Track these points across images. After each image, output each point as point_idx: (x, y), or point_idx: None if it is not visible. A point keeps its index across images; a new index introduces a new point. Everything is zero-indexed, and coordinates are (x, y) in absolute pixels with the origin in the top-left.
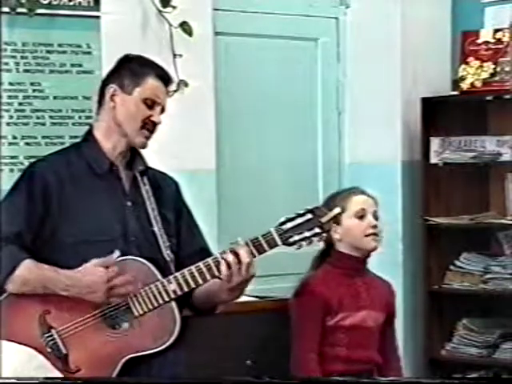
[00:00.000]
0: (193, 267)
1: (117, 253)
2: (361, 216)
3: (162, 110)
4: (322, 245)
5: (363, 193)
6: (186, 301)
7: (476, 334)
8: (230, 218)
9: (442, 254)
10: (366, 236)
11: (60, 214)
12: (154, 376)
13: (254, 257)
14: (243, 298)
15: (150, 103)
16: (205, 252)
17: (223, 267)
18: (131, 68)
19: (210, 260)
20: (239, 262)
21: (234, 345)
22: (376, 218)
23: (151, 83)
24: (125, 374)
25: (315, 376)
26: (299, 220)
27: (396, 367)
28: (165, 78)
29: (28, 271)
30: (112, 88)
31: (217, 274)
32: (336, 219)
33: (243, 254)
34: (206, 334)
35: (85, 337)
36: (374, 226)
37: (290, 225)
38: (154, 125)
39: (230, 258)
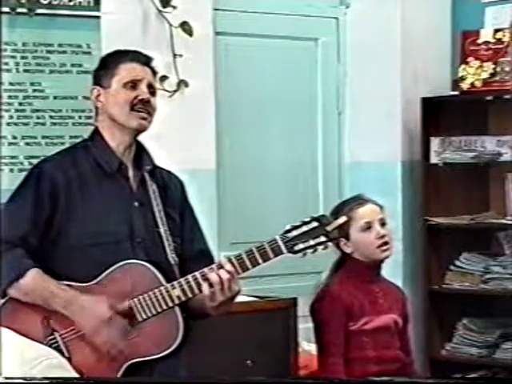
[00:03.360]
0: (197, 273)
1: (127, 302)
2: (368, 228)
3: (151, 88)
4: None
5: (368, 201)
6: (183, 303)
7: (476, 333)
8: (230, 218)
9: (442, 253)
10: (377, 247)
11: (67, 215)
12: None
13: (259, 264)
14: (243, 298)
15: (132, 84)
16: (204, 254)
17: (204, 287)
18: (105, 64)
19: (214, 266)
20: (221, 280)
21: (234, 345)
22: (383, 224)
23: (124, 67)
24: None
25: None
26: (304, 228)
27: (410, 371)
28: (140, 59)
29: (33, 282)
30: (95, 89)
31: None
32: (345, 232)
33: (222, 272)
34: (206, 333)
35: (88, 341)
36: (382, 236)
37: (295, 233)
38: (145, 103)
39: (213, 276)
